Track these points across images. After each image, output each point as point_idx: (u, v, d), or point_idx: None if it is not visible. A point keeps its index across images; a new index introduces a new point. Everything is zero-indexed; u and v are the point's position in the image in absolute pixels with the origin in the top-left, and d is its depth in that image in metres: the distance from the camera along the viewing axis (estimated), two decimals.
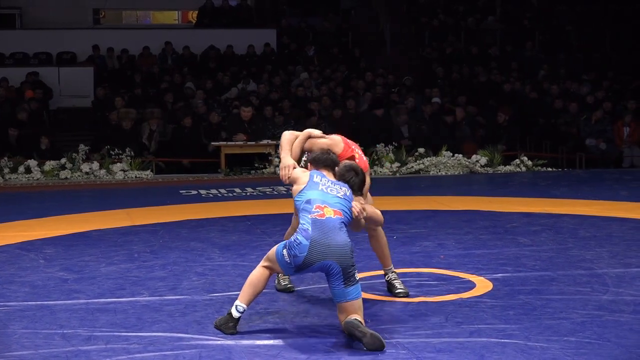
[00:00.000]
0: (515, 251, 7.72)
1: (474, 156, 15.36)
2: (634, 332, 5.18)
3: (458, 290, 6.28)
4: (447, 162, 14.96)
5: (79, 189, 13.74)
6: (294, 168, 5.90)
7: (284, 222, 9.43)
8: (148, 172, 15.00)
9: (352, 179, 5.69)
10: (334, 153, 5.91)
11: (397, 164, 15.09)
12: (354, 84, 19.32)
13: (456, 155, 15.24)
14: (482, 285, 6.43)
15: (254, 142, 15.35)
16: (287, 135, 6.22)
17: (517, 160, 15.59)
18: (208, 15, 23.02)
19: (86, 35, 21.51)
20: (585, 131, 17.08)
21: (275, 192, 12.47)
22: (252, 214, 10.29)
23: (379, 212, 6.00)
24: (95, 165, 14.82)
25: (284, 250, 5.33)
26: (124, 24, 25.24)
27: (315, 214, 5.37)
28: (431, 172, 14.92)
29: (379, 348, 4.94)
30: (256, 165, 15.21)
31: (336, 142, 6.08)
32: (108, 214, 10.63)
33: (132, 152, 15.16)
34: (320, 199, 5.45)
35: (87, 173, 14.72)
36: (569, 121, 17.45)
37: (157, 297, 6.22)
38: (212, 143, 15.60)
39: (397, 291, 6.25)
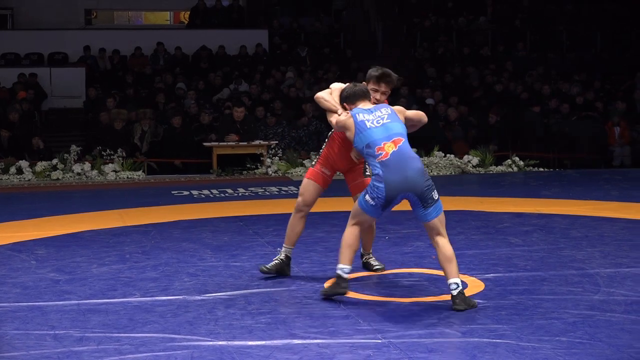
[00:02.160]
0: (506, 251, 7.73)
1: (465, 156, 15.38)
2: (626, 331, 5.19)
3: (450, 290, 6.28)
4: (439, 163, 14.97)
5: (70, 189, 13.72)
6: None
7: (276, 223, 9.46)
8: (140, 172, 14.99)
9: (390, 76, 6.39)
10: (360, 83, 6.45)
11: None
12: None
13: (448, 155, 15.26)
14: (474, 285, 6.44)
15: (245, 143, 15.35)
16: (325, 93, 6.61)
17: (508, 160, 15.62)
18: (200, 15, 23.01)
19: (78, 36, 21.51)
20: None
21: (267, 193, 12.46)
22: (244, 215, 10.29)
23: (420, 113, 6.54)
24: (87, 166, 14.80)
25: (366, 197, 5.89)
26: (115, 25, 25.22)
27: (380, 156, 5.86)
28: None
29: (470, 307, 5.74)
30: (248, 165, 15.21)
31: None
32: (100, 214, 10.61)
33: (123, 153, 15.15)
34: (375, 137, 5.92)
35: (78, 174, 14.70)
36: (561, 121, 17.49)
37: (149, 298, 6.22)
38: (204, 144, 15.59)
39: (375, 268, 7.00)
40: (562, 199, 11.38)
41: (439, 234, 5.93)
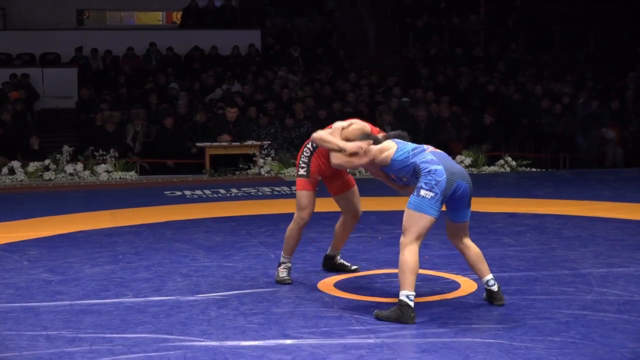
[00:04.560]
0: (499, 251, 7.74)
1: (458, 156, 15.39)
2: (618, 331, 5.20)
3: (443, 290, 6.29)
4: None
5: (63, 190, 13.70)
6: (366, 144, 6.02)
7: (269, 223, 9.47)
8: (132, 173, 14.97)
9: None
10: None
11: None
12: (339, 84, 19.32)
13: None
14: (467, 285, 6.44)
15: (238, 143, 15.33)
16: (324, 133, 6.27)
17: (501, 160, 15.64)
18: (192, 16, 22.98)
19: (70, 36, 21.44)
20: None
21: (260, 193, 12.46)
22: (236, 215, 10.29)
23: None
24: (80, 166, 14.78)
25: (422, 192, 5.54)
26: (108, 25, 25.17)
27: (429, 149, 5.78)
28: None
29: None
30: (241, 166, 15.20)
31: (364, 124, 6.27)
32: (92, 215, 10.60)
33: (116, 153, 15.13)
34: (419, 145, 5.84)
35: (71, 174, 14.68)
36: (553, 122, 17.52)
37: (142, 299, 6.21)
38: (197, 144, 15.57)
39: (353, 269, 7.02)
40: (555, 199, 11.40)
41: (465, 234, 5.90)
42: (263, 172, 15.05)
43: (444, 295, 6.16)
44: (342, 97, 18.23)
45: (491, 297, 5.89)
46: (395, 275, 6.79)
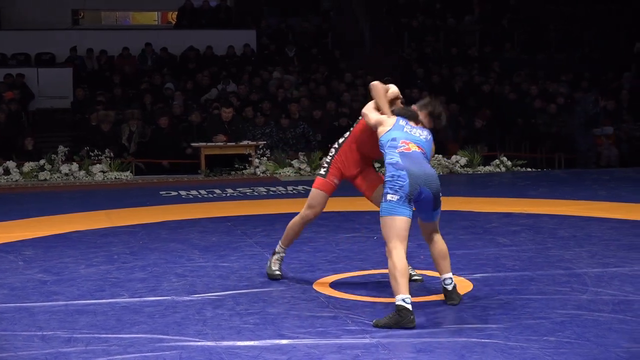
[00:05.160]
0: (494, 251, 7.75)
1: (453, 156, 15.40)
2: (613, 331, 5.21)
3: (438, 290, 6.29)
4: None
5: (58, 190, 13.68)
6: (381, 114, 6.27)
7: (265, 223, 9.47)
8: (127, 173, 14.96)
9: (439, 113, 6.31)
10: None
11: (377, 165, 15.08)
12: (334, 84, 19.33)
13: (436, 155, 15.27)
14: (462, 285, 6.44)
15: (234, 143, 15.33)
16: (380, 88, 6.46)
17: (496, 160, 15.65)
18: (187, 16, 22.97)
19: (65, 36, 21.40)
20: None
21: (256, 193, 12.46)
22: (232, 215, 10.28)
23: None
24: (75, 166, 14.77)
25: (387, 197, 5.64)
26: (103, 25, 25.15)
27: (402, 147, 5.83)
28: None
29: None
30: (236, 166, 15.20)
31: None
32: (87, 215, 10.59)
33: (111, 153, 15.11)
34: (404, 137, 5.92)
35: (66, 174, 14.66)
36: (548, 122, 17.54)
37: (137, 299, 6.21)
38: (192, 144, 15.56)
39: (413, 278, 6.64)
40: (550, 199, 11.41)
41: (435, 230, 6.01)
42: (258, 172, 15.05)
43: (439, 295, 6.16)
44: (337, 97, 18.23)
45: (445, 296, 5.95)
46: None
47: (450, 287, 5.92)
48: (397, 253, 5.53)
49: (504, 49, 22.12)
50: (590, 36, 22.97)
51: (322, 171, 6.72)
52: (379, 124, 6.11)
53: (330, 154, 6.75)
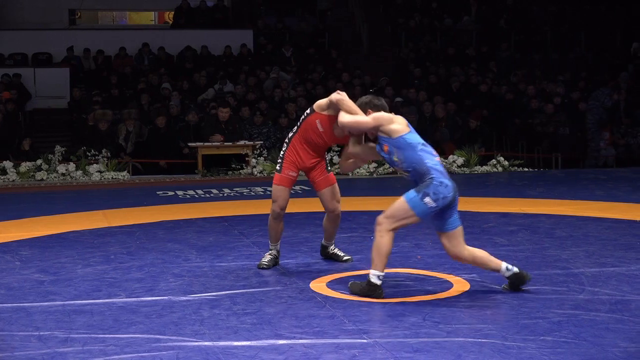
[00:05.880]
0: (492, 251, 7.69)
1: (450, 156, 15.42)
2: (610, 331, 5.21)
3: (435, 290, 6.30)
4: None
5: (55, 190, 13.68)
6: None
7: (262, 223, 9.44)
8: (124, 173, 14.96)
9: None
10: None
11: (374, 165, 15.12)
12: (331, 84, 19.33)
13: None
14: (459, 285, 6.45)
15: (230, 143, 15.33)
16: (348, 100, 6.59)
17: (493, 160, 15.66)
18: (184, 15, 22.98)
19: (62, 36, 21.43)
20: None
21: (253, 193, 12.46)
22: (229, 215, 10.28)
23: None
24: (72, 166, 14.77)
25: (427, 199, 5.83)
26: (100, 25, 25.17)
27: (437, 157, 6.03)
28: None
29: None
30: (233, 166, 15.20)
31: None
32: (84, 215, 10.59)
33: (108, 153, 15.11)
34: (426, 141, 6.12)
35: (63, 174, 14.66)
36: (545, 121, 17.55)
37: (134, 299, 6.20)
38: (189, 144, 15.56)
39: (344, 258, 7.37)
40: (547, 198, 11.41)
41: (462, 238, 6.14)
42: (255, 172, 15.06)
43: (436, 295, 6.16)
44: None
45: (517, 278, 6.11)
46: (389, 275, 6.81)
47: (517, 269, 6.13)
48: (391, 235, 5.92)
49: (500, 49, 22.13)
50: (586, 36, 22.98)
51: (277, 167, 7.14)
52: (387, 122, 6.12)
53: (283, 149, 7.15)
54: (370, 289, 5.95)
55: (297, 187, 12.84)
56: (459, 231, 6.07)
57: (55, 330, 5.40)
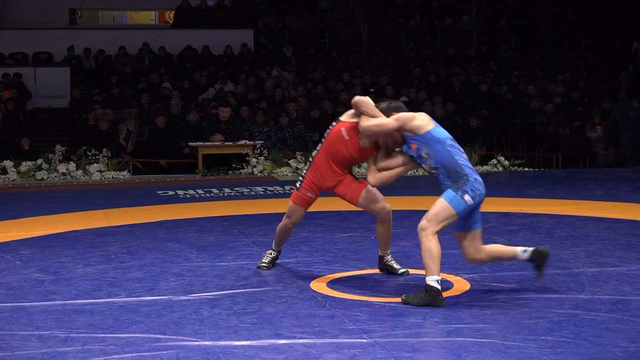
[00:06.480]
0: None
1: None
2: (610, 330, 5.21)
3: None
4: None
5: (55, 190, 13.67)
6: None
7: (262, 223, 9.46)
8: (125, 172, 14.96)
9: None
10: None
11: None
12: (331, 84, 19.33)
13: None
14: (460, 285, 6.45)
15: (231, 143, 15.33)
16: (369, 101, 6.49)
17: (493, 160, 15.65)
18: (185, 15, 22.97)
19: (62, 36, 21.41)
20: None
21: (253, 193, 12.45)
22: (229, 215, 10.28)
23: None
24: (72, 166, 14.76)
25: (466, 196, 5.87)
26: (100, 24, 25.17)
27: (464, 154, 6.07)
28: (408, 172, 14.91)
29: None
30: (234, 165, 15.19)
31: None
32: (85, 214, 10.59)
33: (108, 153, 15.11)
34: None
35: (63, 174, 14.66)
36: (545, 121, 17.55)
37: (134, 298, 6.20)
38: (190, 144, 15.56)
39: (400, 272, 6.90)
40: (548, 198, 11.41)
41: (480, 237, 6.16)
42: (256, 172, 15.05)
43: None
44: (334, 97, 18.23)
45: (538, 255, 6.20)
46: (387, 275, 6.83)
47: (531, 247, 6.25)
48: (436, 238, 5.86)
49: (500, 49, 22.12)
50: (586, 36, 22.97)
51: (297, 184, 6.92)
52: (410, 119, 6.12)
53: (305, 168, 6.96)
54: (432, 296, 5.77)
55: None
56: (481, 231, 6.12)
57: (55, 330, 5.40)
